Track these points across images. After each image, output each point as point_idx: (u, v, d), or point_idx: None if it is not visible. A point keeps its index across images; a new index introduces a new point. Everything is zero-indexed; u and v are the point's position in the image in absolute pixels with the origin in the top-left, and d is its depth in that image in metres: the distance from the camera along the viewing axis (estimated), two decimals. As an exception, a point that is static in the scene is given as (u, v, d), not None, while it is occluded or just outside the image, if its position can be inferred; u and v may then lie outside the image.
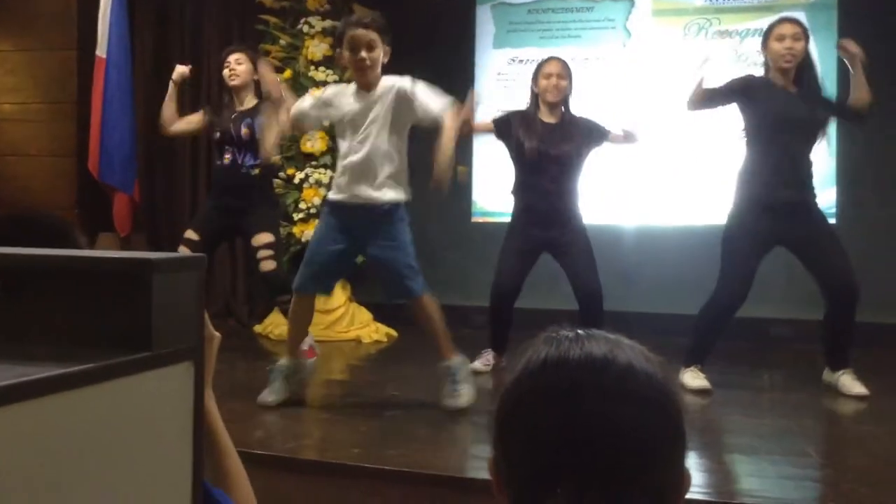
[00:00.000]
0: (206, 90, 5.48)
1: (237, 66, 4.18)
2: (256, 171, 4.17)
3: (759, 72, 3.73)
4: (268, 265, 4.11)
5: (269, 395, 3.24)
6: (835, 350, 3.58)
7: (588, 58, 5.37)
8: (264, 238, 4.12)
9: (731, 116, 4.02)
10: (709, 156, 5.19)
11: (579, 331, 0.84)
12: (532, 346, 0.84)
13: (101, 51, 5.14)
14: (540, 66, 4.01)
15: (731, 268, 3.53)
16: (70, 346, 0.87)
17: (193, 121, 4.34)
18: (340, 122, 3.27)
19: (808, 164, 3.56)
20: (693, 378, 3.61)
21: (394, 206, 3.22)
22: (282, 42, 5.14)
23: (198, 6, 5.59)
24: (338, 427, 3.06)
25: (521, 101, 4.16)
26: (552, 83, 3.91)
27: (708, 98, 3.59)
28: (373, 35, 3.16)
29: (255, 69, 4.14)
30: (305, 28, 5.13)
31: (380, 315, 5.13)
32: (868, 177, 5.02)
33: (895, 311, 4.84)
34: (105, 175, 5.16)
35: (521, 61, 5.41)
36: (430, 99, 3.16)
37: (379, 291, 4.83)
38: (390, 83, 3.24)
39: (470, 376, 3.25)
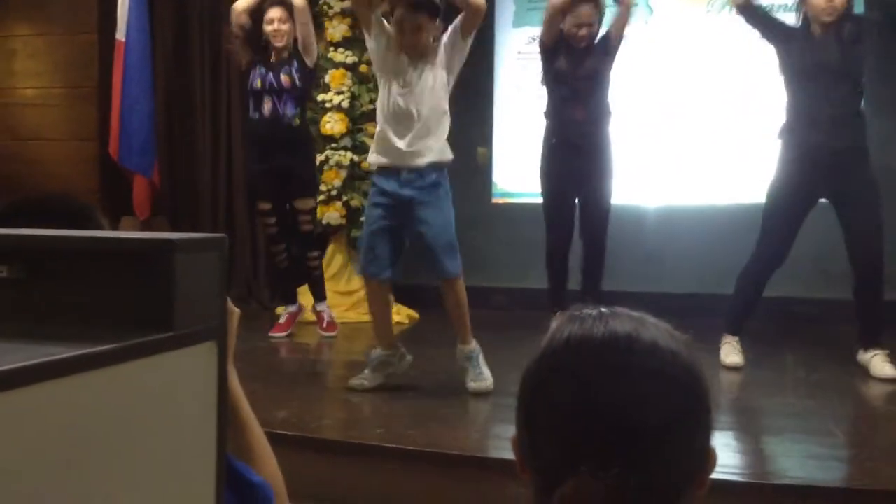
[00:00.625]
0: (227, 73, 5.47)
1: (282, 27, 4.10)
2: (297, 121, 4.16)
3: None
4: (306, 227, 4.31)
5: (357, 380, 3.25)
6: (864, 327, 3.51)
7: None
8: (308, 203, 4.27)
9: (756, 92, 3.98)
10: (732, 134, 5.13)
11: (603, 309, 0.83)
12: (555, 325, 0.83)
13: (120, 34, 5.15)
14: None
15: (771, 225, 3.48)
16: (92, 327, 0.87)
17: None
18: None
19: (852, 112, 3.45)
20: (728, 353, 3.58)
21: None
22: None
23: (216, -12, 5.57)
24: (360, 408, 3.07)
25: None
26: (582, 32, 3.87)
27: (756, 10, 3.60)
28: (421, 19, 3.11)
29: (293, 26, 4.10)
30: (325, 8, 5.10)
31: (401, 297, 5.13)
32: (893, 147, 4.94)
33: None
34: (124, 158, 5.18)
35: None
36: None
37: (402, 272, 4.87)
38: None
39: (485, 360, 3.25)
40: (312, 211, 4.36)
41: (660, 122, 5.22)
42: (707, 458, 0.80)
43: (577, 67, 3.86)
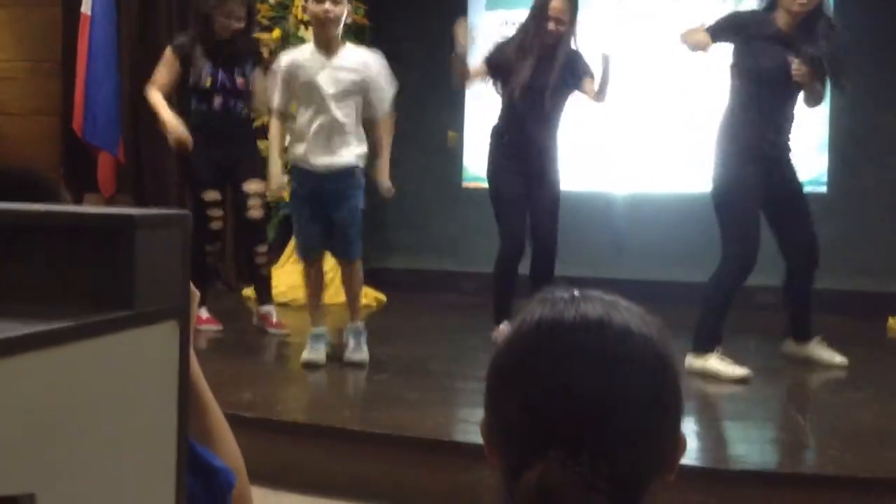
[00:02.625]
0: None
1: (237, 25, 3.94)
2: (245, 112, 4.08)
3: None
4: (256, 213, 4.06)
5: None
6: (803, 318, 3.46)
7: (581, 18, 5.29)
8: (257, 186, 4.04)
9: (725, 79, 3.93)
10: (701, 121, 5.15)
11: (575, 292, 0.82)
12: (527, 308, 0.82)
13: (85, 7, 5.04)
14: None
15: (739, 229, 3.28)
16: (50, 305, 0.85)
17: (174, 72, 4.08)
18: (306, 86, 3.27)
19: (793, 117, 3.39)
20: (726, 365, 3.25)
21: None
22: (271, 1, 5.05)
23: (184, -37, 5.47)
24: (327, 390, 3.06)
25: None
26: (551, 27, 3.73)
27: (719, 37, 3.41)
28: None
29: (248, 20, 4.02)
30: (296, -14, 5.04)
31: (369, 280, 5.10)
32: (859, 144, 5.01)
33: (878, 278, 4.85)
34: (89, 134, 5.09)
35: (514, 24, 5.31)
36: (383, 95, 3.30)
37: (366, 257, 4.82)
38: (363, 59, 3.28)
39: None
40: (262, 196, 4.07)
41: (628, 110, 5.23)
42: (677, 444, 0.79)
43: (540, 82, 3.71)
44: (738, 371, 3.23)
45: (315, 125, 3.24)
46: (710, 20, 3.49)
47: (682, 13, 5.19)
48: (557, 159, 3.86)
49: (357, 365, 3.26)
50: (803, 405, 3.12)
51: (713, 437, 2.66)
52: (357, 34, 5.18)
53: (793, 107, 3.38)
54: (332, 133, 3.24)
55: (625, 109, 5.22)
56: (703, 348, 3.29)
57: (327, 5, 3.13)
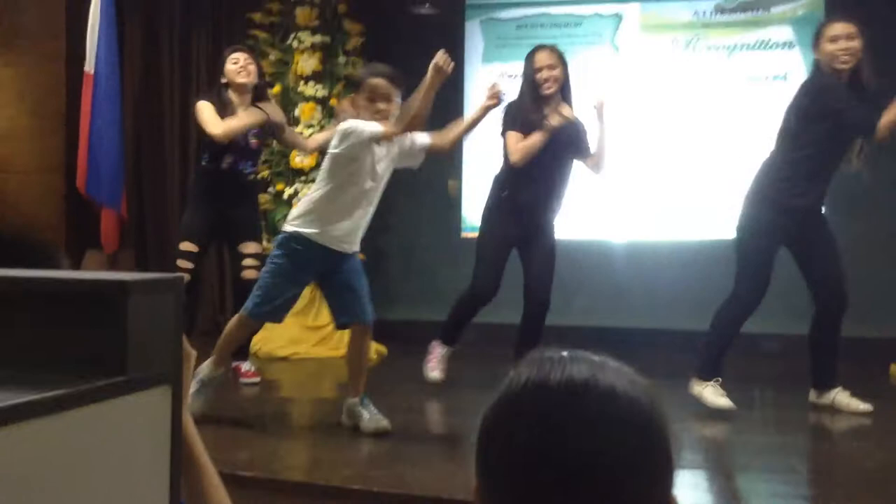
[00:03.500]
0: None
1: (248, 66, 3.99)
2: (252, 176, 4.11)
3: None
4: (251, 273, 3.98)
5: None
6: (826, 366, 3.50)
7: (577, 72, 5.38)
8: (253, 247, 4.05)
9: (721, 128, 3.99)
10: (699, 171, 5.19)
11: (564, 353, 0.82)
12: (515, 369, 0.82)
13: (89, 66, 5.12)
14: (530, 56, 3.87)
15: (753, 266, 3.43)
16: (44, 371, 0.85)
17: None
18: (363, 162, 3.12)
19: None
20: (716, 394, 3.43)
21: None
22: (271, 57, 5.14)
23: (187, 21, 5.58)
24: (325, 447, 3.03)
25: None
26: (544, 75, 3.79)
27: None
28: (394, 91, 3.17)
29: (259, 72, 4.05)
30: (295, 43, 5.12)
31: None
32: (851, 189, 5.03)
33: (878, 324, 4.83)
34: (92, 190, 5.13)
35: (510, 76, 5.40)
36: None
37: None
38: None
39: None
40: (258, 256, 4.02)
41: (628, 159, 5.28)
42: (668, 504, 0.79)
43: (554, 155, 3.77)
44: (722, 401, 3.39)
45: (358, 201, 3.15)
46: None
47: (682, 64, 5.27)
48: (555, 218, 3.90)
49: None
50: (808, 455, 3.08)
51: (718, 490, 2.63)
52: (357, 88, 5.26)
53: (838, 158, 3.48)
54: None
55: (623, 158, 5.27)
56: (705, 375, 3.46)
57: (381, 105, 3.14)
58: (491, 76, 5.40)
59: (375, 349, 4.96)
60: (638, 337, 4.77)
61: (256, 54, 4.32)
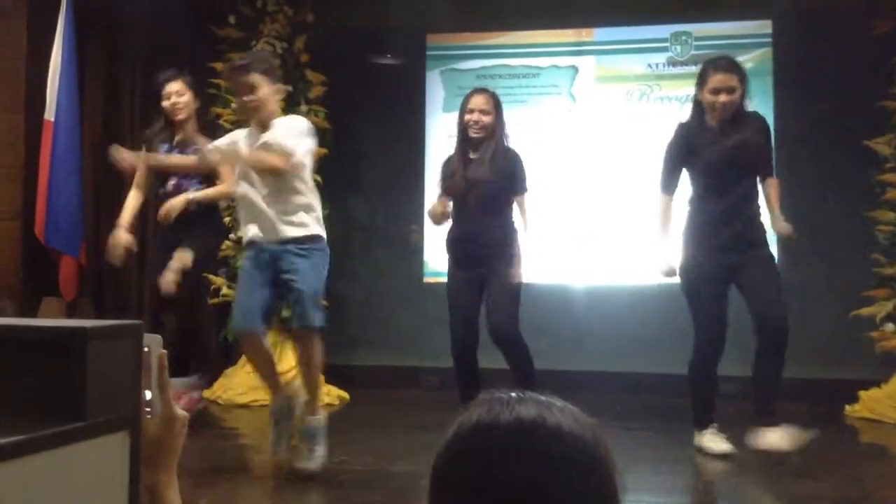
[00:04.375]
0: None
1: (179, 99, 4.03)
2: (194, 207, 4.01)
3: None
4: (169, 286, 3.86)
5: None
6: (760, 399, 3.43)
7: (535, 121, 5.50)
8: (184, 258, 3.88)
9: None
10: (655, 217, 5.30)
11: (512, 394, 0.86)
12: (466, 409, 0.86)
13: (49, 114, 5.11)
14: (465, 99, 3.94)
15: (701, 312, 3.51)
16: (3, 417, 0.86)
17: (142, 175, 4.10)
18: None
19: (753, 203, 3.56)
20: (714, 440, 3.49)
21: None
22: (233, 105, 5.17)
23: (148, 71, 5.60)
24: (286, 495, 3.01)
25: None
26: (474, 118, 3.83)
27: (671, 196, 3.68)
28: (254, 78, 3.19)
29: (195, 97, 4.04)
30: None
31: (331, 377, 5.08)
32: (803, 233, 5.16)
33: (832, 365, 4.94)
34: (51, 238, 5.08)
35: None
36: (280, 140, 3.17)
37: (329, 354, 4.75)
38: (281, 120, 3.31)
39: (325, 437, 3.17)
40: (186, 273, 3.91)
41: (587, 205, 5.38)
42: (615, 540, 0.82)
43: (473, 175, 3.81)
44: (720, 446, 3.45)
45: None
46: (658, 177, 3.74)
47: (636, 113, 5.42)
48: (511, 251, 3.82)
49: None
50: (763, 498, 3.13)
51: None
52: (319, 137, 5.30)
53: (747, 193, 3.54)
54: None
55: (582, 203, 5.38)
56: (696, 426, 3.57)
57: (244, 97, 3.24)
58: (450, 124, 5.51)
59: (337, 395, 4.94)
60: (598, 380, 4.82)
61: (217, 102, 4.31)
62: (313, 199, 3.24)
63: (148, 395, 1.05)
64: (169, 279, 3.82)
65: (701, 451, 3.50)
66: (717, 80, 3.49)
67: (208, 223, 4.18)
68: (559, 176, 5.34)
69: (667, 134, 3.79)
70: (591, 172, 5.39)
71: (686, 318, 3.59)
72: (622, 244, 5.32)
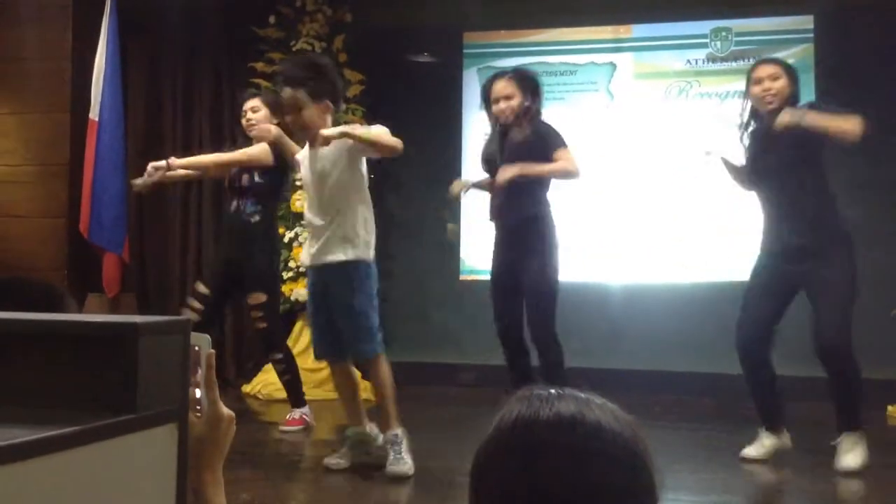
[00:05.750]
0: (199, 153, 5.55)
1: (253, 115, 4.04)
2: (256, 218, 4.04)
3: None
4: (260, 324, 4.07)
5: (333, 459, 3.22)
6: (835, 411, 3.39)
7: (573, 119, 5.48)
8: (258, 298, 4.04)
9: (715, 173, 4.05)
10: (693, 215, 5.26)
11: (552, 390, 0.87)
12: (505, 406, 0.87)
13: (93, 114, 5.21)
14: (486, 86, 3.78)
15: (742, 311, 3.46)
16: (55, 409, 0.89)
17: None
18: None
19: (811, 204, 3.37)
20: (755, 444, 3.45)
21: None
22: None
23: (190, 71, 5.70)
24: (326, 489, 3.04)
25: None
26: (500, 107, 3.66)
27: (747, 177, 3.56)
28: (297, 95, 3.12)
29: (273, 114, 4.00)
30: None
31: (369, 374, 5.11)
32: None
33: (874, 365, 4.85)
34: (95, 235, 5.19)
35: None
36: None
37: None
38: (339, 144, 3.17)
39: (408, 447, 3.17)
40: (264, 307, 4.04)
41: (624, 203, 5.35)
42: (652, 535, 0.82)
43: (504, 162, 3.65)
44: (749, 451, 3.40)
45: None
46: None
47: (675, 110, 5.37)
48: (545, 248, 3.66)
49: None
50: (801, 497, 3.09)
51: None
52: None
53: (801, 195, 3.37)
54: None
55: (620, 201, 5.35)
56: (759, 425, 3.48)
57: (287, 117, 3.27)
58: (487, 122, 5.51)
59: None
60: (634, 379, 4.79)
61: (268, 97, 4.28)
62: None
63: (197, 393, 1.07)
64: (259, 324, 4.04)
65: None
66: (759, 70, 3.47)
67: (266, 247, 4.14)
68: (597, 173, 5.30)
69: (706, 130, 3.74)
70: (630, 170, 5.35)
71: (723, 316, 3.55)
72: (660, 242, 5.28)
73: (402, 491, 2.95)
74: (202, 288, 4.04)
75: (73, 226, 5.25)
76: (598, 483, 0.79)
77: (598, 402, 0.86)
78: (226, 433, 1.10)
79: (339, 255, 3.12)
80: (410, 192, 5.79)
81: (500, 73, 3.77)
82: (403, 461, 3.08)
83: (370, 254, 3.22)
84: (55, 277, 5.16)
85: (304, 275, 5.04)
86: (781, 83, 3.38)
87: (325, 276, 3.17)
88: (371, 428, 3.26)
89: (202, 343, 1.06)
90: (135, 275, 5.54)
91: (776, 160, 3.37)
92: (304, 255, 3.35)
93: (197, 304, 4.00)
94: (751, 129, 3.54)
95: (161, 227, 5.65)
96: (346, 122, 5.20)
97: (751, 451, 3.43)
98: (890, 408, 4.46)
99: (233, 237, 4.06)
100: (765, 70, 3.42)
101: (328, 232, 3.13)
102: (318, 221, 3.16)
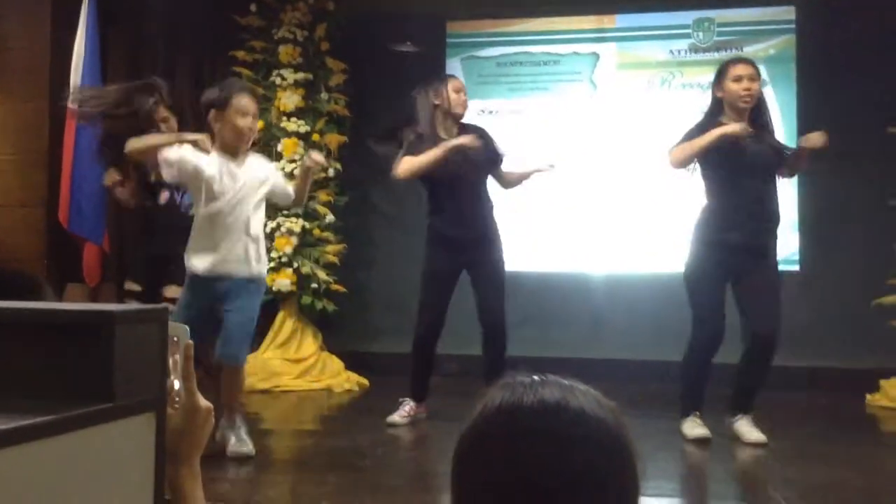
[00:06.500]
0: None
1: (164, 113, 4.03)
2: (193, 209, 4.02)
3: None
4: None
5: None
6: (740, 393, 3.57)
7: (556, 109, 5.49)
8: (176, 291, 3.91)
9: (695, 165, 4.07)
10: (675, 204, 5.28)
11: (535, 377, 0.87)
12: (489, 392, 0.86)
13: (72, 102, 5.15)
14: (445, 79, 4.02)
15: (701, 306, 3.54)
16: (31, 398, 0.88)
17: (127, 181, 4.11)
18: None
19: (771, 206, 3.55)
20: (692, 427, 3.56)
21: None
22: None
23: (171, 58, 5.64)
24: (306, 479, 3.03)
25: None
26: (462, 98, 3.94)
27: (688, 159, 3.60)
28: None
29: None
30: (278, 80, 5.19)
31: (351, 364, 5.11)
32: (828, 223, 5.13)
33: (853, 355, 4.90)
34: (74, 225, 5.13)
35: (490, 112, 5.50)
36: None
37: (349, 341, 4.79)
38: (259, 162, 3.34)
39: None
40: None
41: (606, 192, 5.36)
42: (635, 522, 0.82)
43: (465, 177, 3.79)
44: (697, 431, 3.51)
45: None
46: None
47: (658, 100, 5.38)
48: (495, 235, 3.86)
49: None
50: (785, 482, 3.11)
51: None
52: (339, 124, 5.33)
53: (767, 196, 3.54)
54: None
55: (602, 191, 5.36)
56: (681, 413, 3.61)
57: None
58: (471, 112, 5.49)
59: (357, 381, 4.97)
60: (616, 368, 4.81)
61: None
62: None
63: (175, 384, 1.05)
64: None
65: (684, 437, 3.54)
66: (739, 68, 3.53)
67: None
68: (579, 163, 5.31)
69: (688, 121, 3.76)
70: (612, 160, 5.36)
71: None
72: (641, 232, 5.30)
73: (386, 479, 2.94)
74: (131, 286, 3.95)
75: (53, 215, 5.19)
76: (581, 469, 0.78)
77: (581, 389, 0.85)
78: (203, 425, 1.07)
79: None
80: (392, 181, 5.76)
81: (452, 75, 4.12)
82: (247, 441, 3.21)
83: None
84: (35, 267, 5.10)
85: (286, 264, 5.02)
86: (758, 85, 3.54)
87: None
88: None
89: (179, 333, 1.04)
90: (114, 265, 5.50)
91: (763, 160, 3.50)
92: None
93: (132, 303, 3.94)
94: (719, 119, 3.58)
95: (140, 216, 5.59)
96: (330, 111, 5.20)
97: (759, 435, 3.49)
98: (869, 396, 4.50)
99: (162, 228, 3.98)
100: (746, 69, 3.53)
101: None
102: None
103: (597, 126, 5.43)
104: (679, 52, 5.44)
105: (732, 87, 3.51)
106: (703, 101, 5.22)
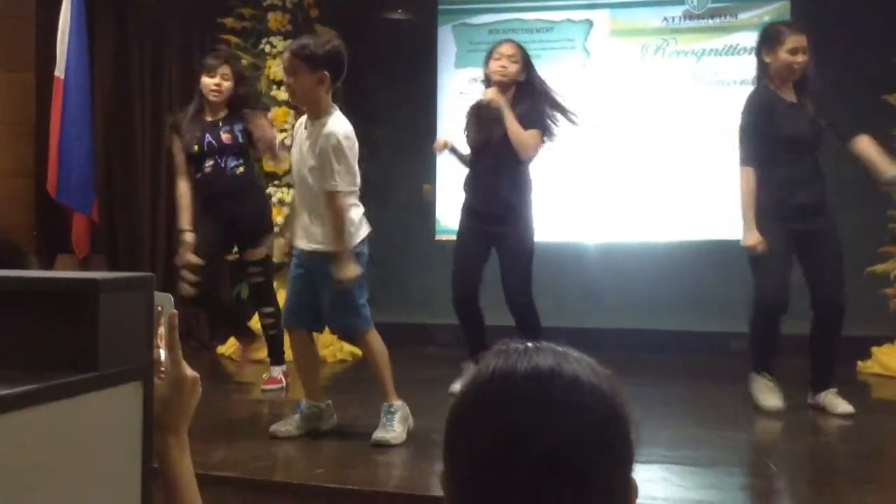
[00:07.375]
0: (168, 110, 5.44)
1: (224, 83, 3.96)
2: (241, 169, 3.99)
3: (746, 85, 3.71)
4: (256, 279, 4.09)
5: (282, 426, 3.14)
6: (816, 368, 3.54)
7: (548, 77, 5.43)
8: (256, 254, 4.04)
9: (691, 132, 4.07)
10: (668, 173, 5.26)
11: (529, 344, 0.85)
12: (482, 359, 0.85)
13: (59, 71, 5.09)
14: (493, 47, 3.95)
15: (763, 270, 3.48)
16: (15, 367, 0.86)
17: (179, 149, 4.03)
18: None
19: (820, 177, 3.57)
20: (766, 391, 3.52)
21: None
22: (243, 62, 5.13)
23: (158, 26, 5.56)
24: (300, 448, 3.04)
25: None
26: (501, 63, 3.84)
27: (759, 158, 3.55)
28: (295, 62, 3.05)
29: (236, 84, 3.99)
30: (267, 48, 5.13)
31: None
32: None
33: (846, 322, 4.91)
34: (63, 195, 5.10)
35: (482, 80, 5.44)
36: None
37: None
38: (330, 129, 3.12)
39: (407, 420, 3.13)
40: (263, 262, 4.07)
41: (600, 161, 5.34)
42: (628, 488, 0.82)
43: (491, 136, 3.77)
44: (770, 402, 3.45)
45: None
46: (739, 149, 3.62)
47: (651, 68, 5.34)
48: (523, 213, 3.82)
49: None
50: (775, 450, 3.14)
51: (685, 484, 2.67)
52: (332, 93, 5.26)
53: (814, 167, 3.58)
54: None
55: (595, 159, 5.33)
56: (753, 368, 3.58)
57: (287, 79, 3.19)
58: (463, 81, 5.45)
59: (350, 351, 4.97)
60: (610, 337, 4.82)
61: (234, 59, 4.26)
62: None
63: (161, 354, 1.04)
64: (255, 279, 4.12)
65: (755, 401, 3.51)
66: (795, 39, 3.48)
67: (259, 198, 4.24)
68: (573, 131, 5.27)
69: (682, 89, 3.74)
70: (606, 128, 5.33)
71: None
72: (635, 201, 5.28)
73: (380, 448, 2.95)
74: (194, 258, 3.91)
75: (41, 186, 5.15)
76: (575, 436, 0.77)
77: (575, 356, 0.85)
78: (190, 395, 1.06)
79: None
80: (385, 153, 5.73)
81: (510, 40, 4.05)
82: (390, 429, 3.04)
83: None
84: (24, 238, 5.07)
85: (279, 234, 4.99)
86: (807, 59, 3.49)
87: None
88: (328, 405, 3.22)
89: (164, 303, 1.02)
90: (104, 235, 5.46)
91: (813, 136, 3.53)
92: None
93: (191, 276, 3.86)
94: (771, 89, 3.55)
95: (130, 187, 5.56)
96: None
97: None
98: (860, 363, 4.52)
99: (218, 195, 3.96)
100: (802, 41, 3.48)
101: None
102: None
103: (590, 94, 5.38)
104: (673, 18, 5.38)
105: (787, 57, 3.47)
106: (697, 68, 5.24)
